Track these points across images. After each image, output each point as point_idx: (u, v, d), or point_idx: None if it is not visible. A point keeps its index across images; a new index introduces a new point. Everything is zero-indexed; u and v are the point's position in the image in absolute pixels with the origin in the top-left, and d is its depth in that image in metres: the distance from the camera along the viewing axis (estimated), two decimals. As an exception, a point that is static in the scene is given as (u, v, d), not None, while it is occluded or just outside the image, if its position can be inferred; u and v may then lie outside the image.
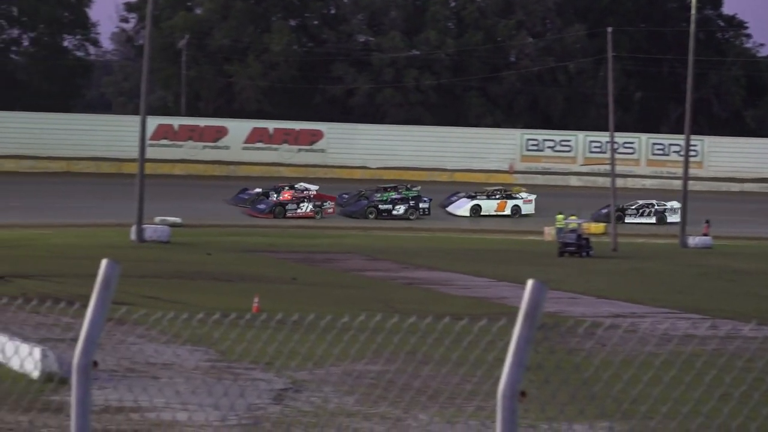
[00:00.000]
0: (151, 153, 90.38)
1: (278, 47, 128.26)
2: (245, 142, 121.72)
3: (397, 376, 28.14)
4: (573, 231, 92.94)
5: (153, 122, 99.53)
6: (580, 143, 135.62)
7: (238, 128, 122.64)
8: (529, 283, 8.64)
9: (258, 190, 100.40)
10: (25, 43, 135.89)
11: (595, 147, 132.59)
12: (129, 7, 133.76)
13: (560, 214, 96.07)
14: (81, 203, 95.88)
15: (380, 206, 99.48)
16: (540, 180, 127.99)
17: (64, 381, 32.95)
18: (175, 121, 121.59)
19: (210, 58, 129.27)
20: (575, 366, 24.12)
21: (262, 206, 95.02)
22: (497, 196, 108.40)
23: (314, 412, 35.90)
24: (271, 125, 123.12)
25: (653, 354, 27.66)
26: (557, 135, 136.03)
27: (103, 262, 9.17)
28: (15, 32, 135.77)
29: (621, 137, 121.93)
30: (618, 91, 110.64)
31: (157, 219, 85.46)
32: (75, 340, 9.04)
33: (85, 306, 9.19)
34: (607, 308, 61.36)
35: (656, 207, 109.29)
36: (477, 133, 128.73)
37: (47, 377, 36.69)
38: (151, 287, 54.04)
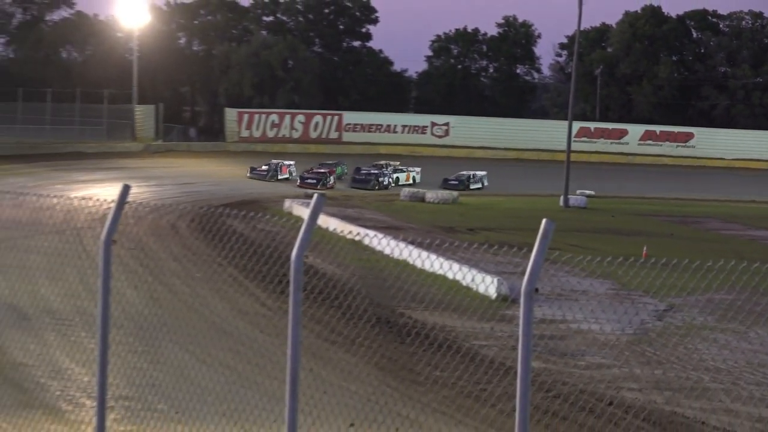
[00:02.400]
0: (574, 147, 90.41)
1: (664, 75, 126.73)
2: (639, 140, 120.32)
3: (744, 303, 27.53)
4: None
5: (576, 125, 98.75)
6: None
7: (635, 130, 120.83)
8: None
9: (264, 167, 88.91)
10: (491, 70, 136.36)
11: None
12: (562, 46, 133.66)
13: None
14: (526, 180, 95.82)
15: (380, 178, 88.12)
16: None
17: (514, 301, 35.80)
18: (592, 125, 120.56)
19: (616, 82, 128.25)
20: None
21: (312, 181, 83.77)
22: (396, 169, 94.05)
23: (684, 326, 35.60)
24: (657, 128, 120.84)
25: None
26: None
27: (543, 221, 9.36)
28: (484, 62, 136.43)
29: None
30: None
31: (578, 191, 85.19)
32: (522, 273, 9.24)
33: (529, 250, 9.37)
34: None
35: (478, 175, 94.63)
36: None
37: (502, 298, 37.30)
38: (573, 238, 53.90)
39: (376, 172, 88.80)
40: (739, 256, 48.27)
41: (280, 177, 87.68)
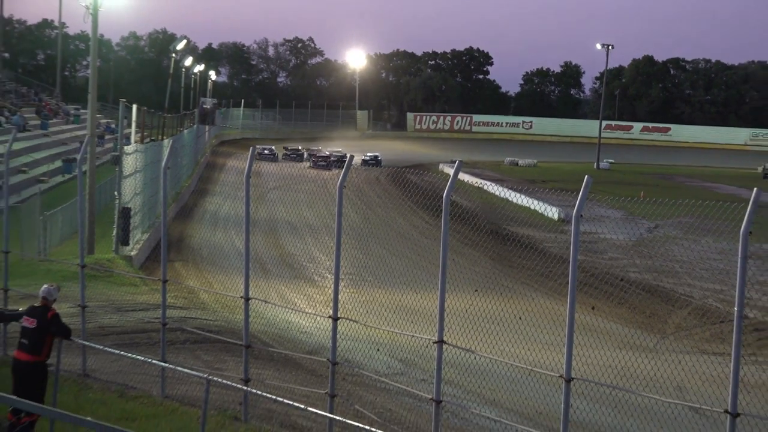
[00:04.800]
0: (603, 135, 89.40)
1: (654, 94, 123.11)
2: (640, 131, 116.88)
3: (699, 224, 26.73)
4: None
5: (604, 123, 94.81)
6: None
7: (637, 126, 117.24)
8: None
9: (265, 151, 64.47)
10: (556, 92, 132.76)
11: None
12: (596, 78, 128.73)
13: None
14: (575, 154, 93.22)
15: (334, 160, 61.12)
16: None
17: (568, 222, 34.03)
18: (613, 122, 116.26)
19: (627, 99, 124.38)
20: None
21: (322, 163, 59.53)
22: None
23: (664, 236, 34.71)
24: (650, 125, 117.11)
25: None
26: None
27: (585, 176, 9.01)
28: (552, 87, 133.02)
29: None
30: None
31: (604, 160, 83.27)
32: (573, 206, 8.92)
33: (577, 193, 8.93)
34: None
35: (380, 155, 70.49)
36: None
37: (561, 220, 36.57)
38: (601, 186, 52.29)
39: (327, 155, 62.93)
40: (696, 198, 46.85)
41: (280, 159, 66.00)
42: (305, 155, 66.87)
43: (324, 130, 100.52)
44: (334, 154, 63.97)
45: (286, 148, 70.88)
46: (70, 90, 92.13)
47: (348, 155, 12.12)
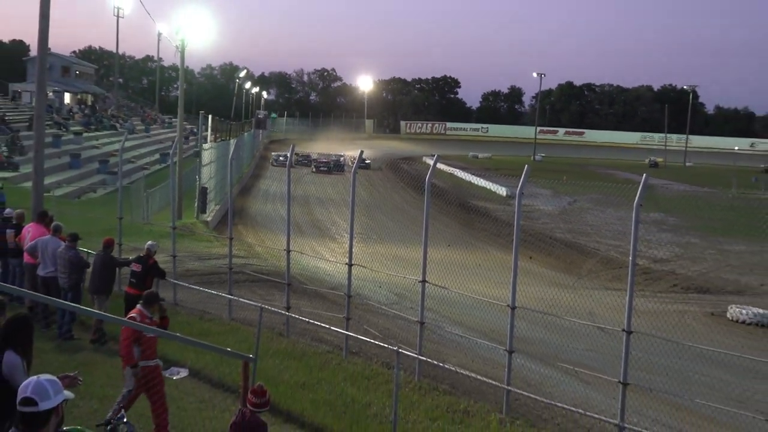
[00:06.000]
0: (538, 137, 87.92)
1: (573, 109, 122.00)
2: (564, 134, 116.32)
3: (606, 199, 26.47)
4: None
5: (538, 129, 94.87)
6: None
7: (562, 130, 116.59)
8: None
9: (281, 157, 48.14)
10: (505, 107, 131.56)
11: None
12: (533, 98, 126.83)
13: None
14: (519, 150, 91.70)
15: (333, 165, 47.32)
16: None
17: (513, 198, 29.70)
18: (545, 128, 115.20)
19: (555, 112, 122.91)
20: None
21: (324, 168, 46.19)
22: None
23: (580, 207, 34.37)
24: (571, 129, 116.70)
25: None
26: None
27: (525, 166, 8.88)
28: (503, 104, 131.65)
29: None
30: None
31: (539, 154, 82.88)
32: (516, 186, 8.73)
33: (519, 176, 8.81)
34: None
35: (369, 157, 49.26)
36: None
37: (508, 196, 35.88)
38: (537, 172, 51.91)
39: (327, 161, 48.27)
40: (603, 181, 46.45)
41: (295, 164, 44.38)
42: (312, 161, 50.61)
43: (340, 134, 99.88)
44: (332, 159, 50.05)
45: (297, 155, 49.62)
46: (165, 105, 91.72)
47: (359, 151, 12.01)
